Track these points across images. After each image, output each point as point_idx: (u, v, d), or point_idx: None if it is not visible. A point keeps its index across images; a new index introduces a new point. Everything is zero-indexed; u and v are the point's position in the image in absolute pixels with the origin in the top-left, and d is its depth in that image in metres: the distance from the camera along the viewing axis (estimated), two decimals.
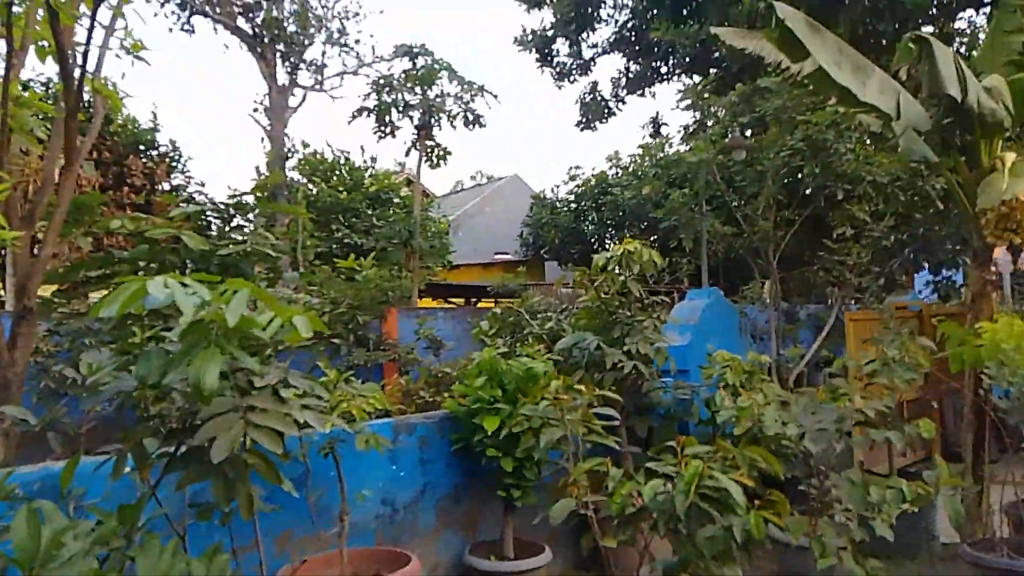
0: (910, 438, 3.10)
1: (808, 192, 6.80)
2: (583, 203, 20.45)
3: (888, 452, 5.66)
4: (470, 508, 4.73)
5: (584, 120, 16.74)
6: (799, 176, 6.76)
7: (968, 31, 13.71)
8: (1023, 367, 4.00)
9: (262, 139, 14.53)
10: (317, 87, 15.29)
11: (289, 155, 12.38)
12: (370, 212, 17.72)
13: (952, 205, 6.58)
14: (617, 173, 20.39)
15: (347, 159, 19.63)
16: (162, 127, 17.64)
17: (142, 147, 14.75)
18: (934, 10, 11.87)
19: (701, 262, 9.69)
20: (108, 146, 13.42)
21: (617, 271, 5.04)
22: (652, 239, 18.41)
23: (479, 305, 16.61)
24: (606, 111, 14.50)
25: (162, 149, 15.30)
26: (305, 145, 14.91)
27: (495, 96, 13.54)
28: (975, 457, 4.95)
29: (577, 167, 22.56)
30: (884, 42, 11.09)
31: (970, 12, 13.37)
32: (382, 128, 14.98)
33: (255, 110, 14.92)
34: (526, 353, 4.76)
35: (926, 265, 11.03)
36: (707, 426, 5.62)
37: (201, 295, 2.08)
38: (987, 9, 12.81)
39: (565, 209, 20.92)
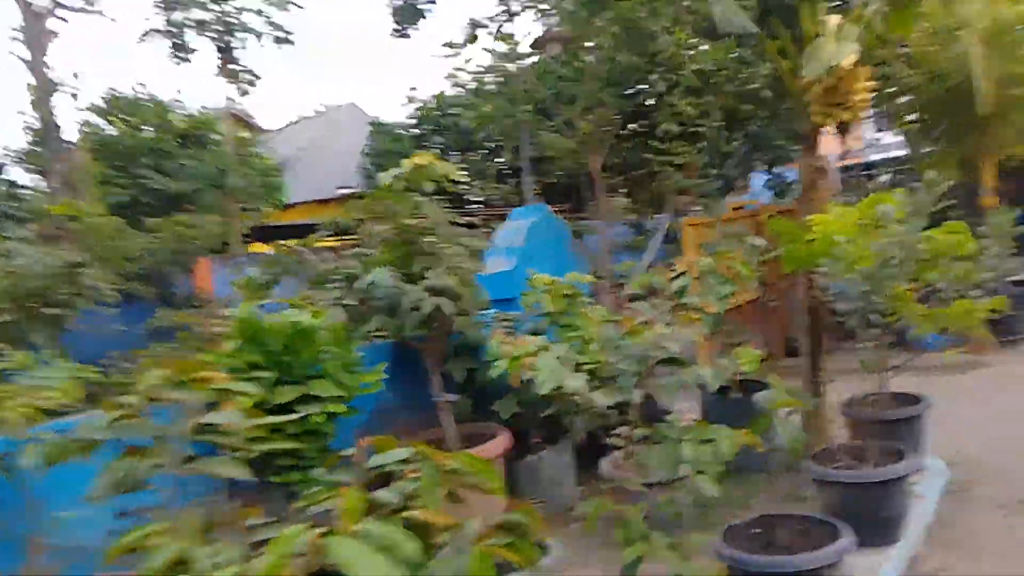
0: (727, 370, 2.51)
1: (630, 90, 6.15)
2: (423, 127, 19.26)
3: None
4: (256, 507, 3.84)
5: (398, 26, 15.15)
6: (619, 70, 6.08)
7: None
8: (859, 261, 3.55)
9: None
10: (88, 7, 13.01)
11: (56, 89, 10.40)
12: (182, 153, 15.75)
13: (780, 93, 6.17)
14: (459, 93, 19.31)
15: (151, 96, 17.32)
16: None
17: None
18: None
19: (523, 175, 8.97)
20: None
21: (408, 191, 4.16)
22: (498, 161, 17.69)
23: (320, 244, 15.32)
24: (416, 12, 12.93)
25: None
26: (75, 76, 12.74)
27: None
28: (812, 365, 4.62)
29: (413, 88, 21.20)
30: None
31: None
32: (176, 53, 13.06)
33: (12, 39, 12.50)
34: (297, 304, 3.84)
35: (762, 165, 10.95)
36: None
37: None
38: None
39: (406, 135, 19.66)
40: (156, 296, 9.70)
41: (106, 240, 9.58)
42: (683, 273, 2.61)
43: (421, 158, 4.11)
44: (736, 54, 5.78)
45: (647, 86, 5.87)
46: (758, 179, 13.35)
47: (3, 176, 14.61)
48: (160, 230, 10.04)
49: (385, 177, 4.19)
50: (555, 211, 8.17)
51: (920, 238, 3.69)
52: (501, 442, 4.32)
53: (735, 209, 7.17)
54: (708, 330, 2.44)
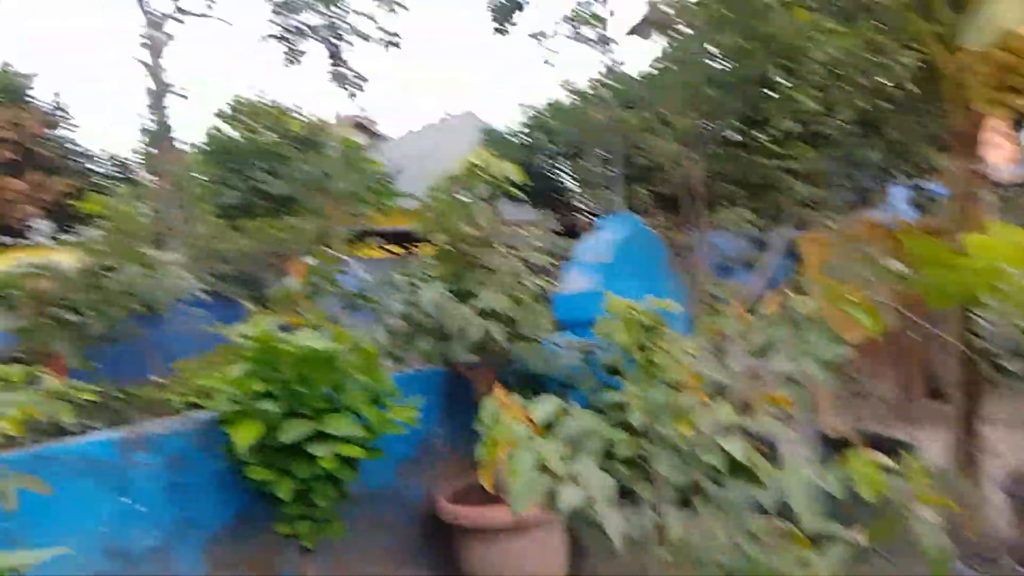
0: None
1: (738, 81, 5.24)
2: (535, 135, 18.79)
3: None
4: (264, 542, 3.36)
5: (496, 22, 14.40)
6: (726, 55, 5.19)
7: None
8: None
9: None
10: (208, 12, 13.43)
11: (169, 91, 10.66)
12: (296, 156, 16.06)
13: (927, 89, 5.11)
14: (574, 101, 18.72)
15: (273, 102, 17.85)
16: (37, 75, 15.65)
17: (12, 96, 12.95)
18: None
19: (614, 183, 8.17)
20: None
21: (459, 196, 3.57)
22: (607, 168, 16.89)
23: (423, 251, 15.11)
24: (513, 5, 12.06)
25: (39, 99, 13.55)
26: (193, 80, 13.17)
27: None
28: (966, 428, 3.62)
29: (531, 96, 20.83)
30: None
31: None
32: (289, 56, 13.26)
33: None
34: (315, 326, 3.33)
35: (902, 176, 9.58)
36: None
37: None
38: None
39: (515, 142, 19.26)
40: (248, 297, 9.69)
41: (200, 241, 9.68)
42: (774, 318, 1.82)
43: (476, 156, 3.50)
44: (869, 40, 4.79)
45: (759, 75, 4.99)
46: (898, 193, 11.84)
47: (130, 177, 15.36)
48: (257, 232, 10.04)
49: (437, 180, 3.62)
50: (656, 223, 7.37)
51: None
52: None
53: (871, 226, 6.08)
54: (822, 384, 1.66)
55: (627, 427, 1.94)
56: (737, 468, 1.43)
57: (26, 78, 13.74)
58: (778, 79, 4.89)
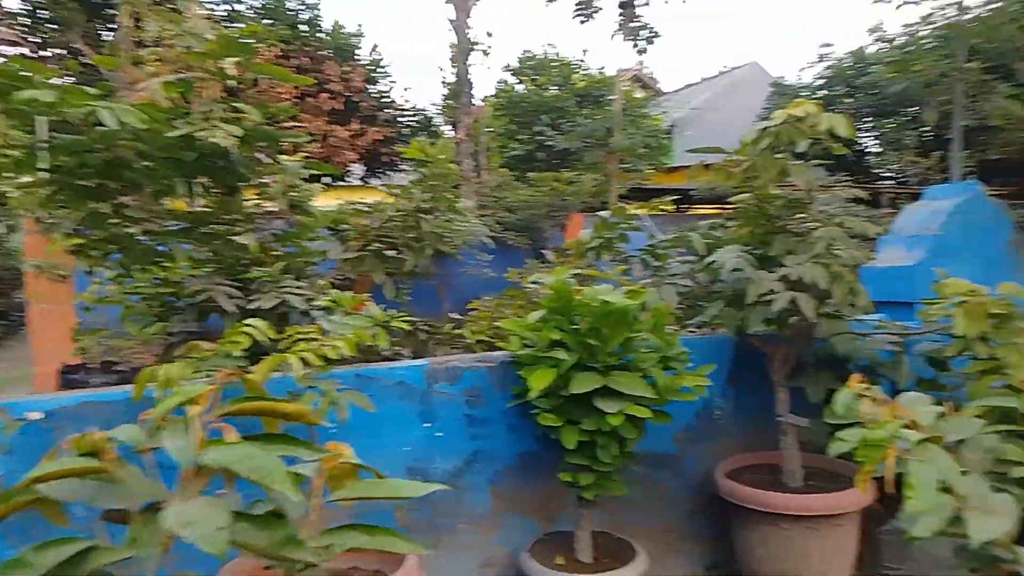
0: None
1: None
2: (834, 88, 17.00)
3: None
4: (544, 486, 3.45)
5: None
6: None
7: None
8: None
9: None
10: None
11: (472, 48, 11.29)
12: (580, 111, 16.32)
13: None
14: (882, 48, 16.58)
15: (558, 56, 18.27)
16: (364, 35, 17.53)
17: (343, 53, 14.67)
18: None
19: (952, 147, 6.96)
20: (308, 52, 13.45)
21: (775, 151, 3.24)
22: (922, 131, 14.77)
23: (695, 212, 14.60)
24: None
25: (361, 56, 15.17)
26: (489, 35, 13.80)
27: None
28: None
29: (828, 45, 18.90)
30: None
31: None
32: (581, 11, 13.33)
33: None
34: (605, 278, 3.25)
35: None
36: (928, 390, 3.68)
37: None
38: None
39: (812, 97, 17.63)
40: (529, 247, 10.10)
41: (520, 195, 10.23)
42: None
43: (798, 108, 3.14)
44: None
45: None
46: None
47: (432, 128, 16.73)
48: (539, 184, 10.37)
49: (749, 131, 3.32)
50: (993, 193, 6.24)
51: None
52: (859, 493, 3.24)
53: None
54: None
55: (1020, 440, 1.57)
56: None
57: (355, 37, 15.49)
58: None
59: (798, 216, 3.54)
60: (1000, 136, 7.94)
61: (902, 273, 4.24)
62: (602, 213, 3.85)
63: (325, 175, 6.72)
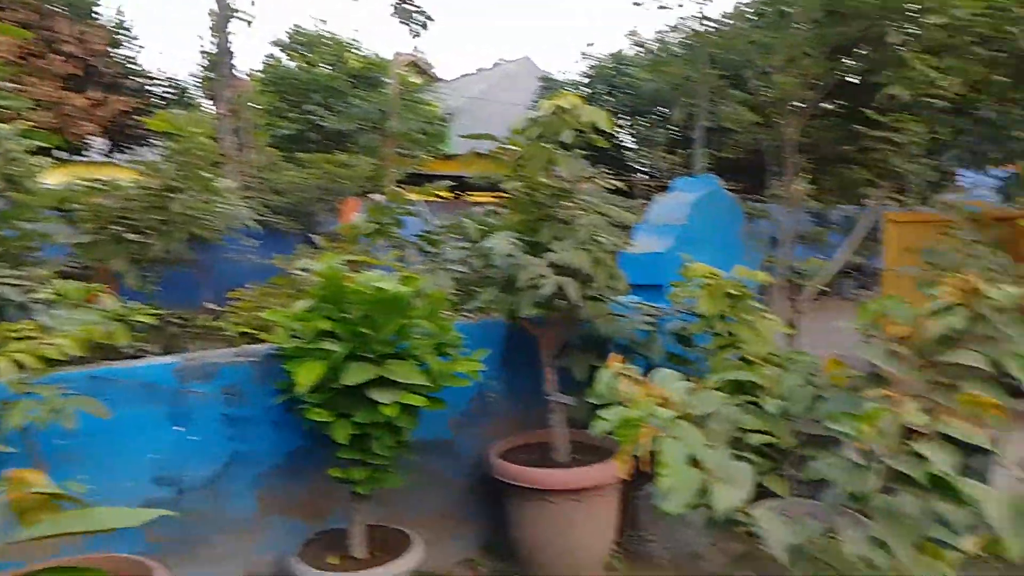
0: None
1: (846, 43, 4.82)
2: (596, 86, 18.21)
3: None
4: (315, 485, 3.27)
5: None
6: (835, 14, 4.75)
7: None
8: None
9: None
10: None
11: (233, 15, 10.45)
12: (354, 93, 15.83)
13: None
14: (639, 52, 18.06)
15: (332, 35, 17.56)
16: None
17: (77, 11, 12.88)
18: None
19: (695, 144, 7.79)
20: (33, 5, 11.60)
21: (544, 141, 3.33)
22: (672, 129, 16.33)
23: (472, 199, 14.90)
24: None
25: (102, 15, 13.47)
26: (252, 3, 12.95)
27: None
28: None
29: (590, 44, 20.16)
30: None
31: None
32: None
33: None
34: (379, 264, 3.16)
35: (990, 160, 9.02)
36: (677, 365, 4.04)
37: None
38: None
39: (576, 93, 18.73)
40: (301, 232, 9.62)
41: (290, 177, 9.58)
42: (955, 305, 1.53)
43: (564, 100, 3.25)
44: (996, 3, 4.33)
45: (868, 38, 4.57)
46: (966, 177, 11.26)
47: (188, 100, 15.31)
48: (311, 166, 9.91)
49: (519, 121, 3.38)
50: (729, 189, 7.03)
51: None
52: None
53: (959, 211, 5.66)
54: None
55: (755, 410, 1.73)
56: (932, 481, 1.22)
57: None
58: (892, 41, 4.47)
59: (565, 204, 3.68)
60: (733, 138, 8.92)
61: (654, 259, 4.59)
62: (376, 197, 3.72)
63: (57, 148, 5.83)
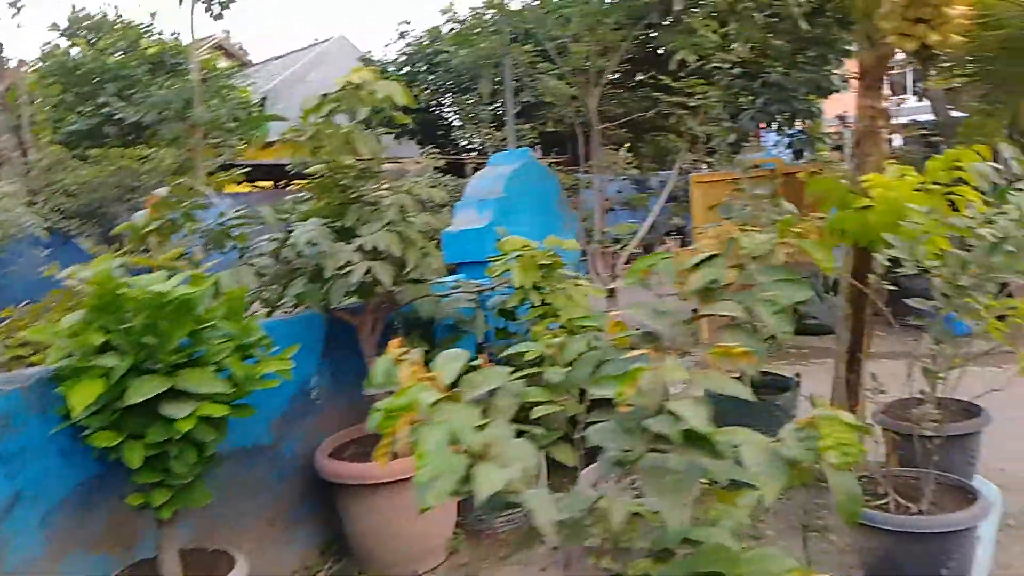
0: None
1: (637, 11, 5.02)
2: (416, 65, 17.94)
3: None
4: (115, 514, 2.94)
5: None
6: None
7: None
8: (939, 240, 2.60)
9: None
10: None
11: None
12: (153, 80, 14.55)
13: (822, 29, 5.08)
14: (454, 29, 17.96)
15: (121, 18, 16.05)
16: None
17: None
18: None
19: (507, 118, 7.87)
20: None
21: (334, 118, 3.16)
22: (496, 106, 16.44)
23: (296, 187, 14.25)
24: None
25: None
26: None
27: None
28: (848, 364, 3.71)
29: (406, 23, 19.85)
30: None
31: None
32: None
33: None
34: (167, 267, 2.89)
35: (781, 120, 9.86)
36: (502, 339, 4.06)
37: None
38: None
39: (396, 72, 18.32)
40: (100, 237, 8.73)
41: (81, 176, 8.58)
42: (712, 256, 1.59)
43: (357, 75, 3.09)
44: None
45: (658, 5, 4.79)
46: (767, 137, 12.28)
47: None
48: (105, 162, 9.00)
49: (309, 99, 3.18)
50: (550, 162, 7.16)
51: None
52: None
53: (754, 167, 6.12)
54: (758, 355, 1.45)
55: (541, 382, 1.71)
56: (690, 436, 1.24)
57: None
58: (677, 7, 4.70)
59: (372, 186, 3.54)
60: (553, 111, 9.07)
61: (474, 235, 4.57)
62: (160, 191, 3.38)
63: None
